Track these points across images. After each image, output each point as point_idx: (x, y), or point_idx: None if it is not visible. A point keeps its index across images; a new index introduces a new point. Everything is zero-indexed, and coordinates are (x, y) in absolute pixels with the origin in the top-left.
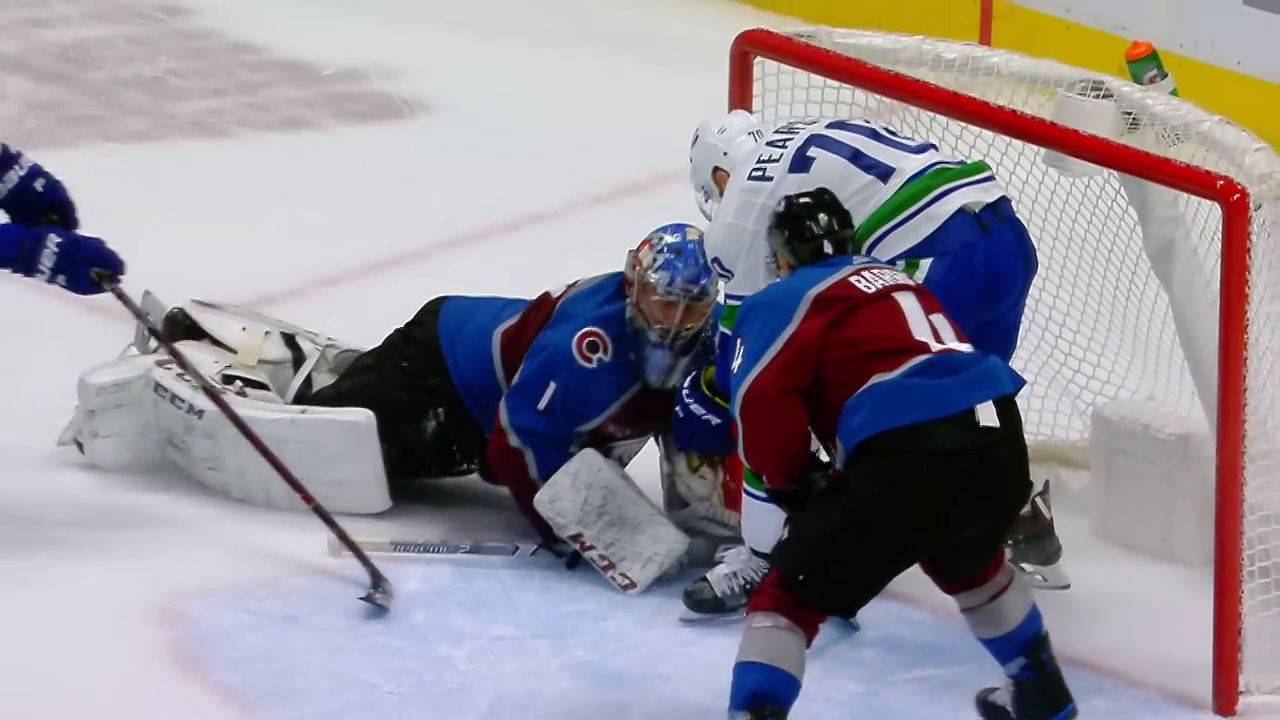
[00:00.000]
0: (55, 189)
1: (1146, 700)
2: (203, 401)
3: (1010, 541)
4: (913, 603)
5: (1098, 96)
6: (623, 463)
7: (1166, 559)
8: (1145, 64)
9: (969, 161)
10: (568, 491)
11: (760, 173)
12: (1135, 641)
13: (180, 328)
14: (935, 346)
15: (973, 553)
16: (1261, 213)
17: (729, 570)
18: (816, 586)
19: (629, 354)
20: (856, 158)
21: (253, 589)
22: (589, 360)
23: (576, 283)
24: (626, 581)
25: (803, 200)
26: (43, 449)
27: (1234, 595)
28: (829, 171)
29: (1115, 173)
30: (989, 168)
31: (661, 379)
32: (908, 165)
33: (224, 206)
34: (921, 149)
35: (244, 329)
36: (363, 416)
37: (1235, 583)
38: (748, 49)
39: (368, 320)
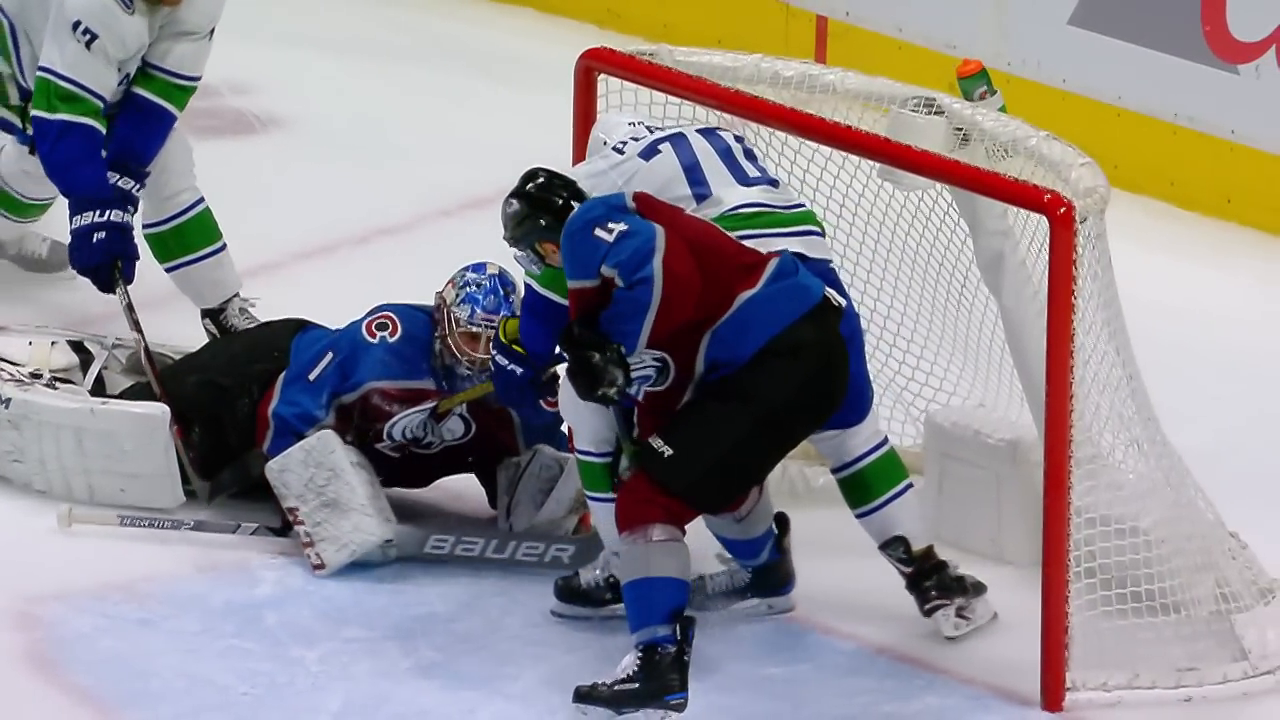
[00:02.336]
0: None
1: (976, 697)
2: (9, 390)
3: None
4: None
5: (930, 113)
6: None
7: (996, 560)
8: (975, 81)
9: (797, 210)
10: (298, 466)
11: (621, 145)
12: (966, 640)
13: None
14: (763, 250)
15: None
16: (1087, 225)
17: (599, 565)
18: (714, 492)
19: (416, 348)
20: (691, 170)
21: (108, 593)
22: (373, 336)
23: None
24: (318, 562)
25: (529, 186)
26: None
27: (1061, 595)
28: (662, 170)
29: (947, 187)
30: (814, 220)
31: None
32: (727, 197)
33: None
34: (754, 182)
35: (30, 343)
36: (157, 410)
37: (1062, 583)
38: (592, 66)
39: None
